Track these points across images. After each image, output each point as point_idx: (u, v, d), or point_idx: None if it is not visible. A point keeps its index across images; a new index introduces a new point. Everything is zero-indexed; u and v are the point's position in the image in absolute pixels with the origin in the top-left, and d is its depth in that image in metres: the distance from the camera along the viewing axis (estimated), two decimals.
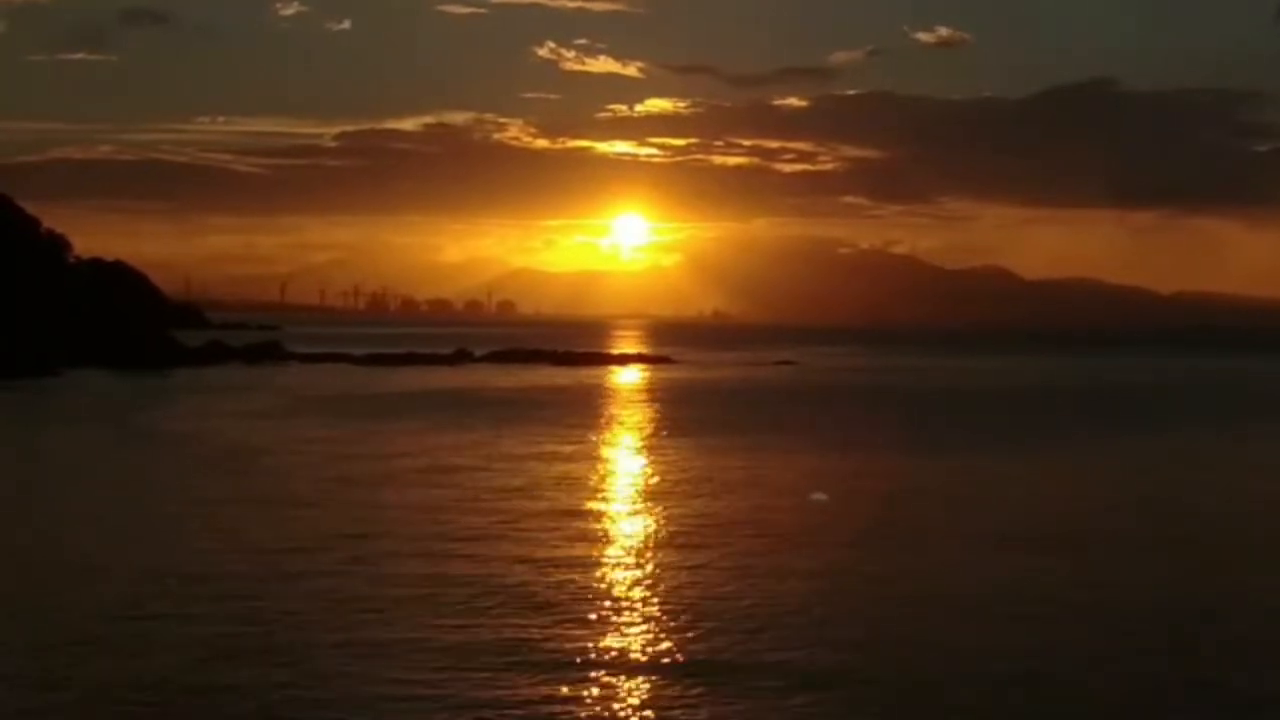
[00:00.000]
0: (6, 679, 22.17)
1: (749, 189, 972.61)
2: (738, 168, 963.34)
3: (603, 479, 49.62)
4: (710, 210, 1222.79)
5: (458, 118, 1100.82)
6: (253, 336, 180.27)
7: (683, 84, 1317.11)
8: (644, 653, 24.02)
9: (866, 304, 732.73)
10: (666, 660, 23.56)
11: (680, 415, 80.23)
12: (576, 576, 30.47)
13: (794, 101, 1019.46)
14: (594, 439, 64.54)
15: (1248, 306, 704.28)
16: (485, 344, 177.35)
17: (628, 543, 35.49)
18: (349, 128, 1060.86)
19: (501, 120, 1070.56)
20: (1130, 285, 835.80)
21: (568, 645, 24.27)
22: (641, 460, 56.24)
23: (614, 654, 23.87)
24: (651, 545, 34.98)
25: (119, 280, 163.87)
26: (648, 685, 22.06)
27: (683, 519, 39.15)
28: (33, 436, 64.69)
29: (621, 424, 74.35)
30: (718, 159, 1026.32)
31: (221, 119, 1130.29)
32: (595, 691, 21.64)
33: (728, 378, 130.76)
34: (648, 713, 20.76)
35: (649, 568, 31.85)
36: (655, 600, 28.17)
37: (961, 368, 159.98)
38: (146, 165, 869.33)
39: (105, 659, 23.33)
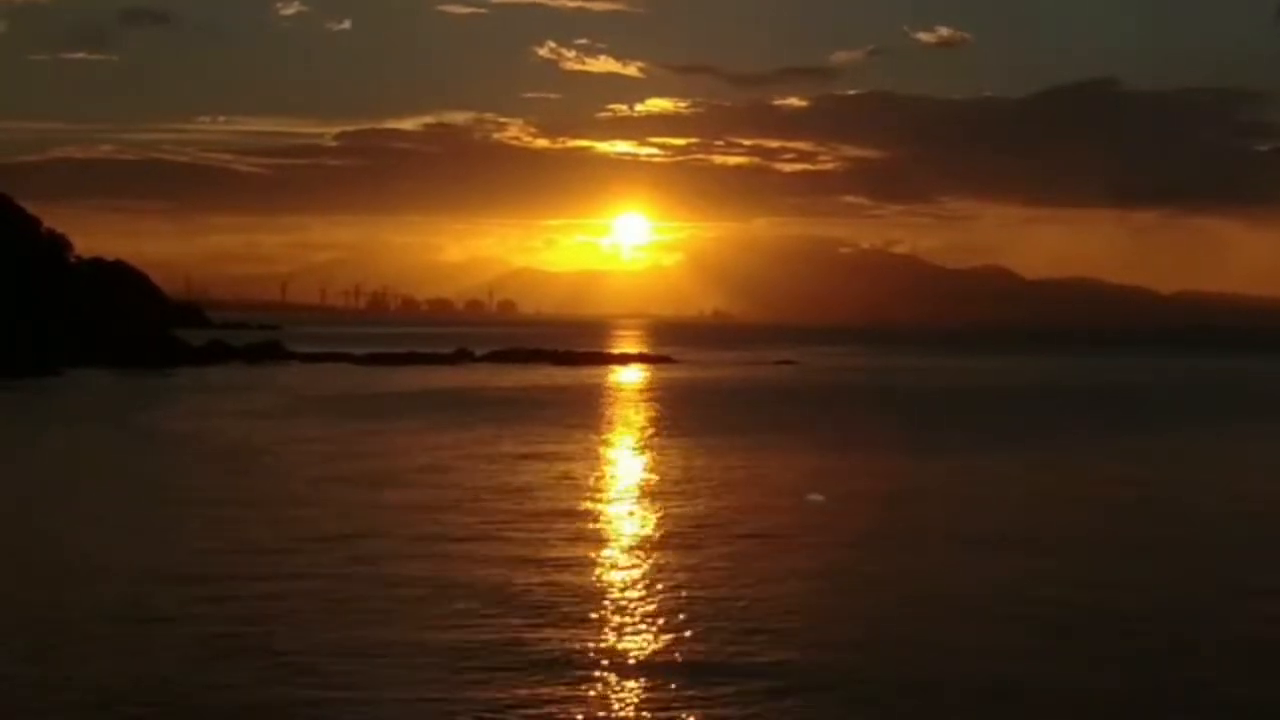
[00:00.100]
0: (6, 679, 22.18)
1: (749, 189, 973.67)
2: (738, 167, 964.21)
3: (602, 479, 49.63)
4: (711, 210, 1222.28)
5: (458, 117, 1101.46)
6: (253, 336, 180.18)
7: (683, 84, 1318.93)
8: (641, 653, 24.02)
9: (867, 304, 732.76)
10: (664, 660, 23.57)
11: (680, 415, 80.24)
12: (575, 576, 30.50)
13: (794, 101, 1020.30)
14: (594, 439, 64.55)
15: (1248, 306, 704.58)
16: (486, 344, 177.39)
17: (626, 542, 35.51)
18: (349, 127, 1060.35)
19: (502, 120, 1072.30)
20: (1130, 285, 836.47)
21: (566, 645, 24.28)
22: (641, 460, 56.26)
23: (611, 654, 23.87)
24: (650, 545, 35.00)
25: (120, 280, 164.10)
26: (645, 685, 22.06)
27: (682, 519, 39.16)
28: (33, 436, 64.67)
29: (622, 424, 74.36)
30: (718, 159, 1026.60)
31: (222, 119, 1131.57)
32: (594, 691, 21.65)
33: (728, 377, 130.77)
34: (645, 713, 20.77)
35: (647, 568, 31.87)
36: (653, 600, 28.18)
37: (962, 367, 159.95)
38: (147, 165, 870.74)
39: (105, 659, 23.35)
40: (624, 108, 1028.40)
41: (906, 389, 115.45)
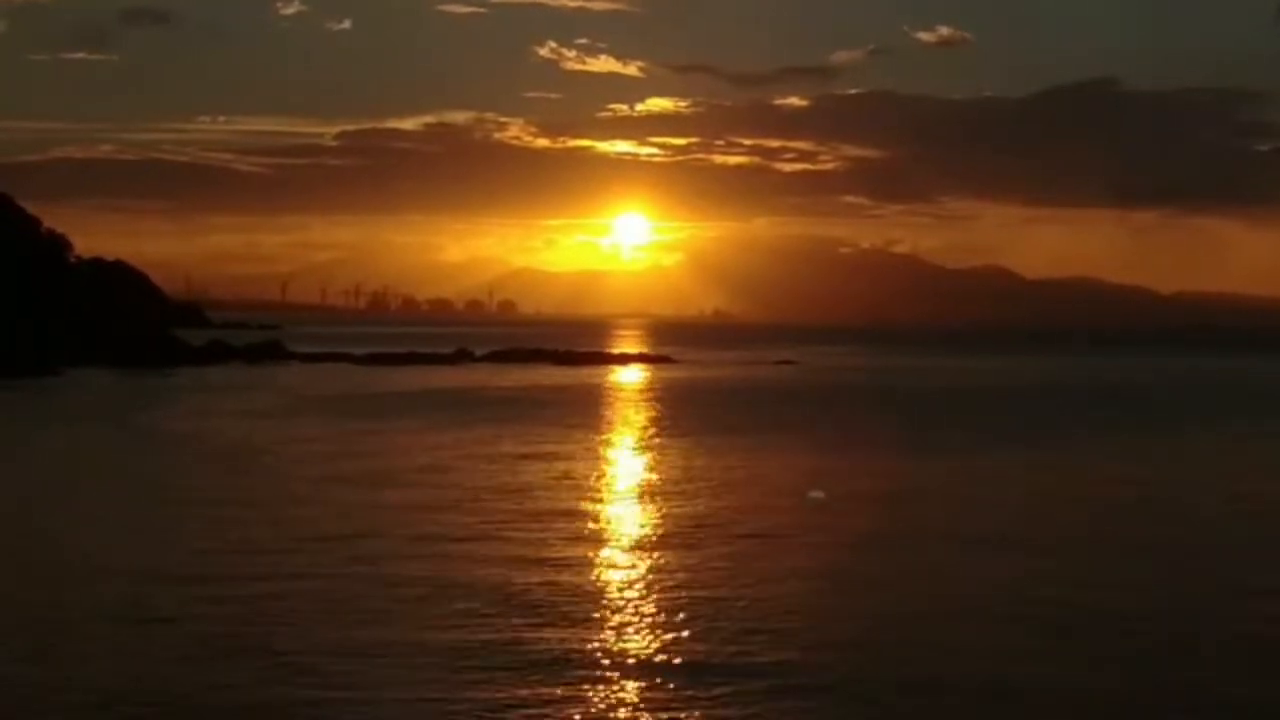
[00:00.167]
0: (6, 679, 22.19)
1: (750, 188, 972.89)
2: (738, 167, 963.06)
3: (602, 479, 49.65)
4: (711, 210, 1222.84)
5: (458, 117, 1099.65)
6: (254, 336, 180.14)
7: (683, 83, 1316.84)
8: (641, 653, 24.03)
9: (867, 303, 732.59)
10: (664, 660, 23.57)
11: (680, 415, 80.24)
12: (575, 576, 30.50)
13: (795, 101, 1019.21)
14: (594, 439, 64.56)
15: (1248, 306, 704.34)
16: (486, 343, 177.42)
17: (626, 542, 35.52)
18: (350, 127, 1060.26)
19: (502, 120, 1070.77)
20: (1131, 285, 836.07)
21: (566, 645, 24.29)
22: (641, 460, 56.27)
23: (611, 654, 23.88)
24: (650, 545, 35.00)
25: (120, 280, 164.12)
26: (645, 685, 22.06)
27: (682, 519, 39.17)
28: (33, 436, 64.68)
29: (622, 424, 74.37)
30: (718, 158, 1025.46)
31: (222, 118, 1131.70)
32: (594, 691, 21.65)
33: (728, 377, 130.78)
34: (645, 713, 20.77)
35: (647, 567, 31.87)
36: (653, 600, 28.18)
37: (962, 367, 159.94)
38: (147, 165, 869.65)
39: (105, 659, 23.36)
40: (624, 107, 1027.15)
41: (906, 389, 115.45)
